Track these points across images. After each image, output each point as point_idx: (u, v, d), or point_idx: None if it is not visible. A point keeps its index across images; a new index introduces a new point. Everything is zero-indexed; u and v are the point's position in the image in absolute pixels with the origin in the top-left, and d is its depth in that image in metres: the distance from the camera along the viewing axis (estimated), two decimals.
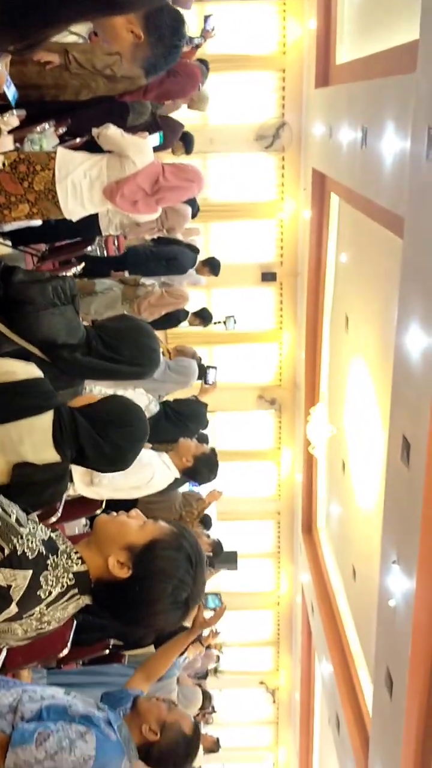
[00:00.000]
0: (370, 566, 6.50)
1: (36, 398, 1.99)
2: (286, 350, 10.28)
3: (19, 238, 4.19)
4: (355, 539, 8.02)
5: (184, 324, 6.40)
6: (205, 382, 5.17)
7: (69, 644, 3.31)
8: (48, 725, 1.99)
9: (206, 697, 6.43)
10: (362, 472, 7.51)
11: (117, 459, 2.08)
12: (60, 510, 3.46)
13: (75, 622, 3.50)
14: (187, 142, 5.45)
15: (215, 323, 8.50)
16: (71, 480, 2.61)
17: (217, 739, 7.02)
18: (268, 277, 9.72)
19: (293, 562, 11.53)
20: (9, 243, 4.13)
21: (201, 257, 6.55)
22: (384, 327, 6.16)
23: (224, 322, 8.18)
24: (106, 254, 6.20)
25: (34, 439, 1.93)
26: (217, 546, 6.08)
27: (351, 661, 7.96)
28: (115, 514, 1.58)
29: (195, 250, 6.10)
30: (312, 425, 8.64)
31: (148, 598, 1.51)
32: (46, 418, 1.99)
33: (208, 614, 2.82)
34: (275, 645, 12.50)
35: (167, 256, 5.34)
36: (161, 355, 2.80)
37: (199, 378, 5.19)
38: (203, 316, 6.35)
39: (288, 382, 10.43)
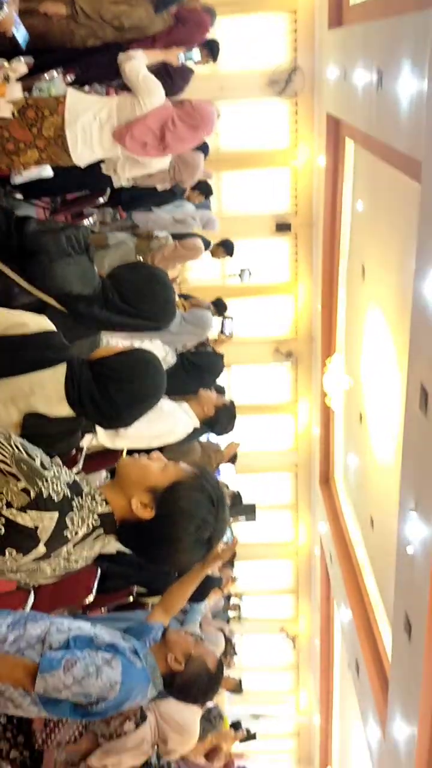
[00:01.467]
0: (388, 515, 6.55)
1: (47, 351, 1.97)
2: (301, 302, 10.19)
3: (30, 191, 4.14)
4: (372, 489, 8.07)
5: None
6: (222, 333, 5.15)
7: (94, 591, 3.39)
8: (75, 653, 2.05)
9: (228, 641, 6.61)
10: (380, 423, 7.51)
11: (113, 416, 2.04)
12: (81, 462, 3.51)
13: (99, 570, 3.59)
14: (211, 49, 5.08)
15: (230, 276, 8.43)
16: (94, 430, 2.64)
17: (240, 681, 7.22)
18: (283, 227, 9.57)
19: (311, 513, 11.65)
20: (20, 196, 4.08)
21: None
22: (402, 275, 6.08)
23: (239, 275, 8.11)
24: (119, 218, 6.12)
25: (46, 391, 1.92)
26: (236, 498, 6.17)
27: (369, 607, 8.09)
28: (137, 456, 1.60)
29: (208, 189, 6.02)
30: (329, 377, 8.61)
31: (171, 537, 1.53)
32: (58, 372, 1.98)
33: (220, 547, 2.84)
34: (295, 593, 12.73)
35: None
36: (176, 308, 2.79)
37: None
38: (227, 246, 6.24)
39: (304, 334, 10.38)
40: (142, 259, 4.59)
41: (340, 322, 9.10)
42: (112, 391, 1.97)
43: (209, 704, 3.90)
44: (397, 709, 6.00)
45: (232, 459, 5.26)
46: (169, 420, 3.03)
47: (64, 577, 1.57)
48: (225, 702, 7.41)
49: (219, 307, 6.12)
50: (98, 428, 2.74)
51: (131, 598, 4.11)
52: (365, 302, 7.75)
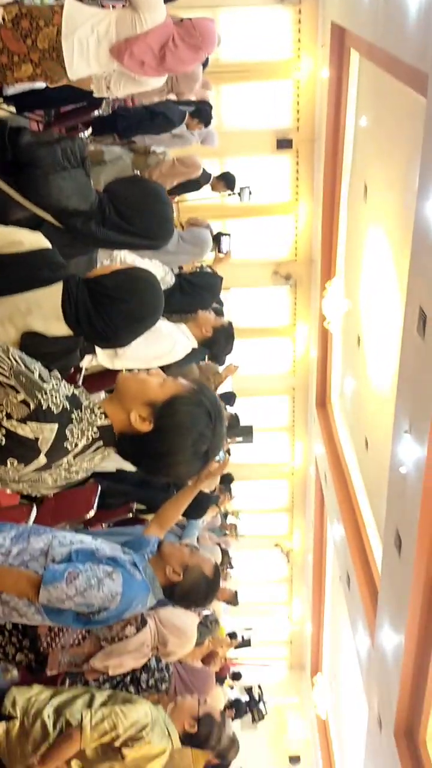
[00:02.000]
0: (383, 437, 6.66)
1: (43, 269, 1.94)
2: (302, 223, 9.99)
3: (23, 103, 3.99)
4: (368, 412, 8.17)
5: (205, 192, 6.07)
6: (219, 251, 5.06)
7: (95, 507, 3.49)
8: (77, 566, 2.13)
9: (225, 553, 6.85)
10: (377, 346, 7.53)
11: (108, 335, 2.03)
12: (80, 382, 3.54)
13: (100, 487, 3.68)
14: None
15: (229, 194, 8.21)
16: (93, 351, 2.64)
17: (236, 593, 7.52)
18: (284, 144, 9.27)
19: (307, 435, 11.84)
20: (12, 109, 3.94)
21: (212, 124, 6.23)
22: (404, 195, 5.95)
23: (239, 194, 7.88)
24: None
25: (43, 310, 1.91)
26: (234, 420, 6.25)
27: (362, 524, 8.35)
28: (136, 371, 1.61)
29: (208, 117, 5.80)
30: (328, 300, 8.57)
31: (169, 450, 1.56)
32: (55, 290, 1.95)
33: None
34: (289, 511, 13.11)
35: (153, 112, 5.01)
36: (174, 226, 2.73)
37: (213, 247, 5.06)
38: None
39: (304, 256, 10.24)
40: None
41: (340, 243, 8.97)
42: (108, 311, 1.96)
43: (206, 611, 4.08)
44: (386, 619, 6.28)
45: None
46: (167, 341, 3.02)
47: (65, 487, 1.61)
48: (221, 613, 7.74)
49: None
50: (97, 349, 2.74)
51: (131, 515, 4.24)
52: (367, 223, 7.62)
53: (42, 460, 1.45)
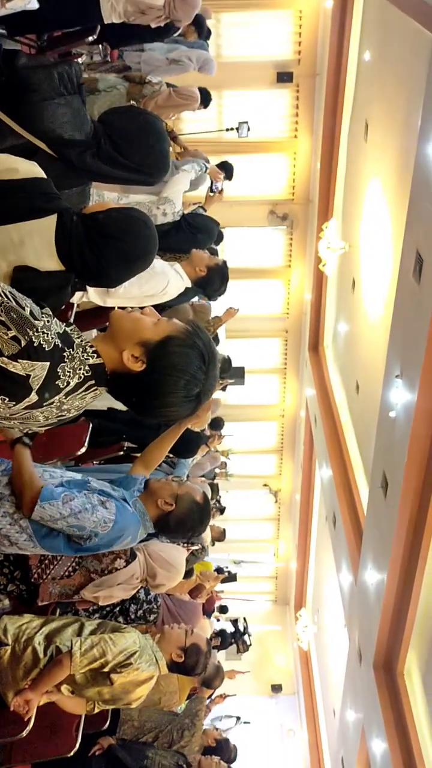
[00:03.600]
0: (374, 381, 6.70)
1: (38, 199, 1.89)
2: (300, 161, 9.75)
3: (14, 27, 3.81)
4: (360, 356, 8.19)
5: None
6: (211, 190, 4.95)
7: (86, 444, 3.52)
8: (73, 491, 2.17)
9: (214, 489, 6.94)
10: (372, 290, 7.48)
11: (100, 274, 1.99)
12: (71, 320, 3.51)
13: (91, 425, 3.70)
14: None
15: (227, 130, 7.99)
16: (85, 288, 2.61)
17: (224, 530, 7.68)
18: (284, 77, 8.96)
19: (298, 379, 11.89)
20: (3, 31, 3.77)
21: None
22: (406, 136, 5.80)
23: (236, 129, 7.65)
24: (108, 59, 5.66)
25: (36, 243, 1.86)
26: (225, 362, 6.23)
27: (349, 466, 8.48)
28: (129, 309, 1.59)
29: (205, 28, 5.59)
30: (324, 242, 8.46)
31: (161, 391, 1.54)
32: (48, 223, 1.90)
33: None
34: (279, 453, 13.27)
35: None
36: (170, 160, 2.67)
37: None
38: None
39: (301, 196, 10.04)
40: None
41: (339, 183, 8.79)
42: (101, 248, 1.92)
43: (195, 546, 4.17)
44: (369, 558, 6.46)
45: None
46: (160, 279, 2.99)
47: (56, 425, 1.61)
48: (208, 548, 7.91)
49: (227, 170, 5.78)
50: (89, 288, 2.71)
51: (121, 453, 4.28)
52: (366, 162, 7.45)
53: (33, 398, 1.44)
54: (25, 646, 2.68)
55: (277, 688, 12.99)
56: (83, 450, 3.51)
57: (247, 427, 12.45)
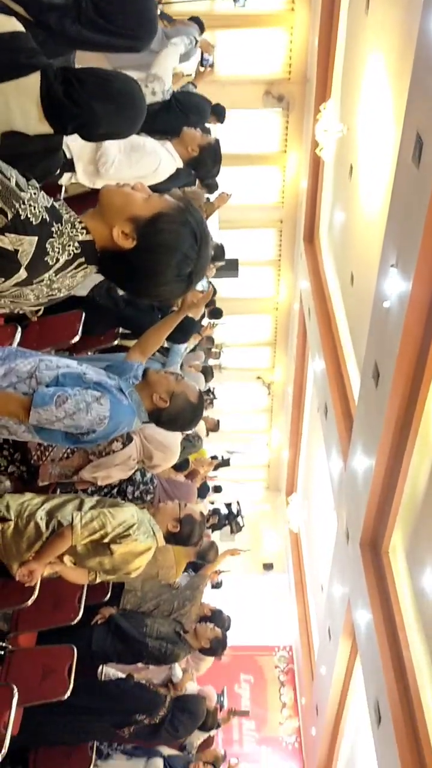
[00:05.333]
0: (369, 272, 6.63)
1: (19, 54, 1.77)
2: (297, 36, 9.18)
3: None
4: (355, 246, 8.06)
5: None
6: (201, 64, 4.70)
7: (79, 333, 3.52)
8: (66, 390, 2.18)
9: (208, 374, 7.02)
10: (370, 177, 7.26)
11: (90, 121, 1.88)
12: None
13: (83, 314, 3.68)
14: None
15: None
16: (73, 170, 2.52)
17: (218, 421, 7.86)
18: None
19: (293, 271, 11.74)
20: None
21: None
22: (409, 6, 5.43)
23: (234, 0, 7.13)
24: None
25: (22, 104, 1.77)
26: (218, 248, 6.15)
27: (342, 358, 8.55)
28: (120, 183, 1.55)
29: None
30: (321, 124, 8.11)
31: (152, 270, 1.51)
32: (32, 81, 1.80)
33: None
34: (272, 345, 13.33)
35: None
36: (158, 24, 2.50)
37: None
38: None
39: (298, 74, 9.52)
40: None
41: (338, 61, 8.32)
42: (89, 90, 1.83)
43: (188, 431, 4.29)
44: (359, 445, 6.65)
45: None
46: (151, 159, 2.88)
47: (47, 304, 1.60)
48: (203, 437, 8.12)
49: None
50: (77, 167, 2.62)
51: (116, 342, 4.29)
52: (366, 39, 7.02)
53: (22, 274, 1.41)
54: (27, 521, 2.80)
55: (268, 567, 13.73)
56: (76, 339, 3.51)
57: (241, 320, 12.44)
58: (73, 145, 2.55)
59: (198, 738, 5.21)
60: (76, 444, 2.35)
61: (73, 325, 3.54)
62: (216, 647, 4.57)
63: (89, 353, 4.44)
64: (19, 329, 2.88)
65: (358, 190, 7.77)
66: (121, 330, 4.15)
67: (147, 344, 2.75)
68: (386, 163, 6.38)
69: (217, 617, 4.92)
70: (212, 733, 5.57)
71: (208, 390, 7.68)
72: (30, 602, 3.00)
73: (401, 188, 5.12)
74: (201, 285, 4.70)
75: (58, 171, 1.96)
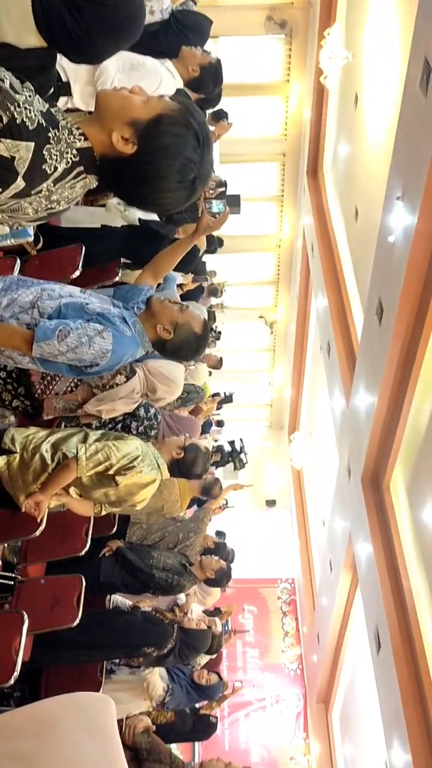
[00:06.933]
0: (373, 207, 6.50)
1: None
2: None
3: None
4: (360, 180, 7.88)
5: None
6: None
7: (80, 266, 3.47)
8: (68, 323, 2.16)
9: (211, 317, 7.01)
10: (375, 106, 7.04)
11: (83, 42, 1.76)
12: None
13: (83, 247, 3.63)
14: None
15: None
16: (70, 94, 2.44)
17: (221, 359, 7.86)
18: None
19: (296, 206, 11.52)
20: None
21: None
22: None
23: None
24: None
25: (12, 16, 1.68)
26: (221, 185, 6.01)
27: (345, 295, 8.48)
28: (117, 87, 1.48)
29: None
30: (326, 51, 7.81)
31: (154, 175, 1.46)
32: None
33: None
34: (275, 284, 13.20)
35: None
36: None
37: None
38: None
39: None
40: None
41: None
42: (83, 12, 1.72)
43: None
44: (362, 382, 6.66)
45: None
46: (152, 78, 2.77)
47: (47, 219, 1.55)
48: (206, 377, 8.14)
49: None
50: (74, 90, 2.53)
51: (118, 276, 4.22)
52: None
53: (20, 183, 1.36)
54: (33, 454, 2.83)
55: (271, 503, 13.99)
56: (77, 273, 3.47)
57: (243, 258, 12.28)
58: (69, 66, 2.46)
59: (204, 658, 5.40)
60: (80, 375, 2.35)
61: (74, 258, 3.50)
62: (221, 578, 4.69)
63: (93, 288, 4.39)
64: (19, 261, 2.84)
65: (363, 121, 7.55)
66: (122, 261, 4.07)
67: (160, 265, 2.67)
68: (392, 92, 6.17)
69: (221, 549, 5.03)
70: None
71: (211, 329, 7.64)
72: (38, 533, 3.07)
73: (408, 117, 4.96)
74: (217, 207, 4.60)
75: (53, 94, 1.86)
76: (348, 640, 8.58)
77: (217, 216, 2.60)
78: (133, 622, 4.20)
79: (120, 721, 4.19)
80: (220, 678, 5.16)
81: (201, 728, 5.16)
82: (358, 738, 8.40)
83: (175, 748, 5.76)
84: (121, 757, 0.75)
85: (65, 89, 2.16)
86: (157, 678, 4.51)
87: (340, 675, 9.24)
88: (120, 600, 4.46)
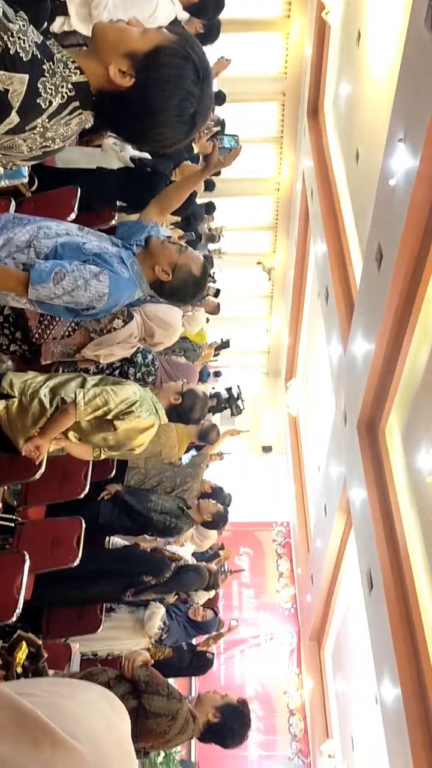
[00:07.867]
0: (375, 149, 6.36)
1: None
2: None
3: None
4: (362, 121, 7.68)
5: None
6: None
7: (75, 210, 3.41)
8: (64, 265, 2.14)
9: (208, 261, 6.94)
10: (378, 44, 6.81)
11: None
12: None
13: (79, 189, 3.56)
14: None
15: None
16: (66, 13, 2.35)
17: (218, 305, 7.81)
18: None
19: (295, 149, 11.26)
20: None
21: None
22: None
23: None
24: None
25: None
26: (218, 124, 5.85)
27: (344, 241, 8.37)
28: (114, 20, 1.43)
29: None
30: None
31: (152, 109, 1.41)
32: None
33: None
34: (273, 229, 13.01)
35: None
36: None
37: None
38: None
39: None
40: None
41: None
42: None
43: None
44: (360, 329, 6.64)
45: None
46: (149, 4, 2.66)
47: (41, 158, 1.51)
48: (203, 323, 8.11)
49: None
50: (71, 10, 2.44)
51: (114, 220, 4.15)
52: None
53: (14, 118, 1.32)
54: (31, 398, 2.84)
55: (267, 449, 14.14)
56: (73, 215, 3.41)
57: (241, 202, 12.06)
58: None
59: (201, 597, 5.55)
60: (78, 317, 2.33)
61: (69, 201, 3.43)
62: (217, 521, 4.78)
63: None
64: (13, 203, 2.79)
65: (365, 59, 7.32)
66: (118, 204, 3.99)
67: (167, 200, 2.61)
68: (396, 28, 5.96)
69: (217, 494, 5.11)
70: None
71: (211, 276, 7.59)
72: (37, 476, 3.11)
73: (411, 55, 4.81)
74: (229, 142, 4.47)
75: (50, 15, 1.79)
76: (341, 580, 8.81)
77: (229, 151, 2.53)
78: (133, 550, 4.32)
79: (119, 657, 4.33)
80: (216, 614, 5.32)
81: (198, 664, 5.35)
82: (349, 674, 8.72)
83: (173, 684, 5.97)
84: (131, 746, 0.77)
85: (62, 8, 2.07)
86: (158, 616, 4.65)
87: (333, 614, 9.52)
88: (119, 542, 4.56)
